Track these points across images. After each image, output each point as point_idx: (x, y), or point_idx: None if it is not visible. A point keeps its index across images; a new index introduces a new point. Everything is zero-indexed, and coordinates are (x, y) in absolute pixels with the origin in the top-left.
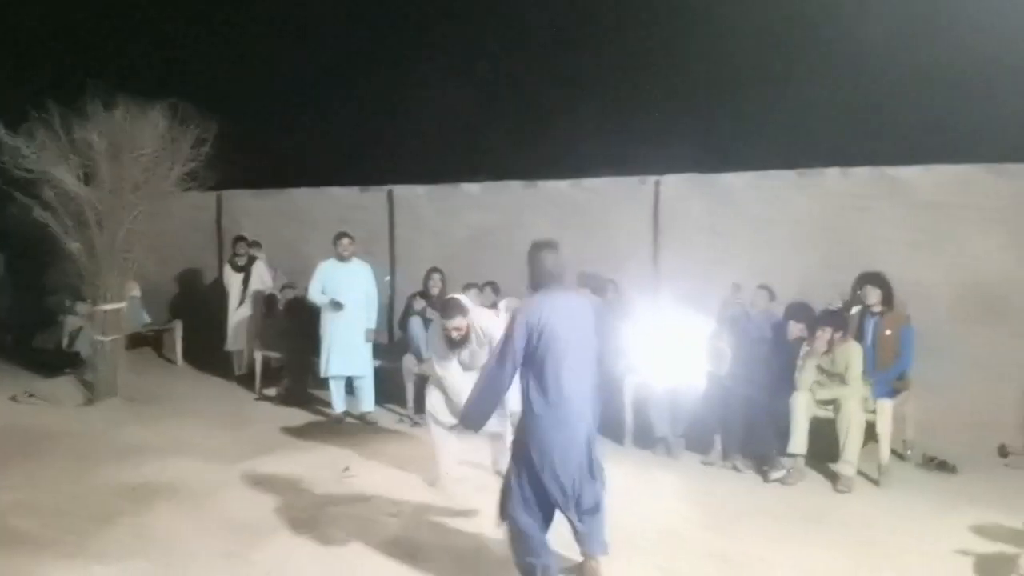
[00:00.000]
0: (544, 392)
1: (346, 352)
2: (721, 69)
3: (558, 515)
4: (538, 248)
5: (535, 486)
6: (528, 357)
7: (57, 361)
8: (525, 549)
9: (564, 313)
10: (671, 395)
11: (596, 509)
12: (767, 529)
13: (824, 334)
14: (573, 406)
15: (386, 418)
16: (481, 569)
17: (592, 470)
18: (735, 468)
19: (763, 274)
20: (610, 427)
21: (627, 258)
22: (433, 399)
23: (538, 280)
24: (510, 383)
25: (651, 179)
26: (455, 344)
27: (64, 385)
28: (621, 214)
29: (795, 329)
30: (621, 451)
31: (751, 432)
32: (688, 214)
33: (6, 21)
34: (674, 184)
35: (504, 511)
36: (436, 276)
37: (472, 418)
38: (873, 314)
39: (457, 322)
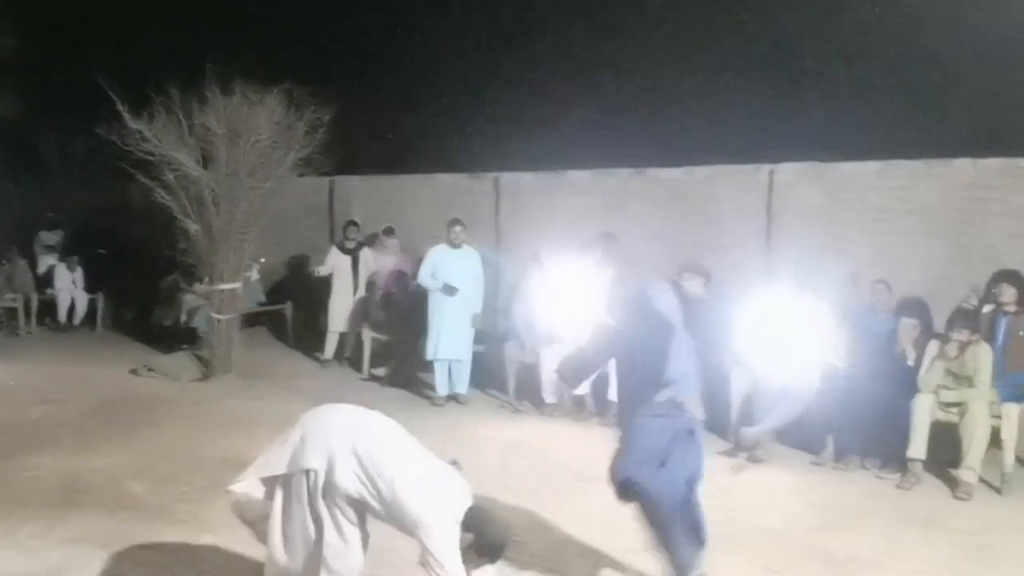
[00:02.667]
0: None
1: (454, 336)
2: (841, 54)
3: None
4: None
5: None
6: None
7: (174, 337)
8: None
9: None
10: (781, 392)
11: None
12: (877, 531)
13: (960, 336)
14: None
15: (485, 402)
16: None
17: None
18: (863, 467)
19: (883, 267)
20: (715, 422)
21: (739, 247)
22: None
23: None
24: None
25: (766, 167)
26: None
27: (181, 360)
28: (733, 203)
29: (908, 327)
30: (726, 447)
31: (870, 433)
32: (804, 204)
33: (125, 8)
34: (790, 172)
35: None
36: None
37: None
38: (1007, 313)
39: None
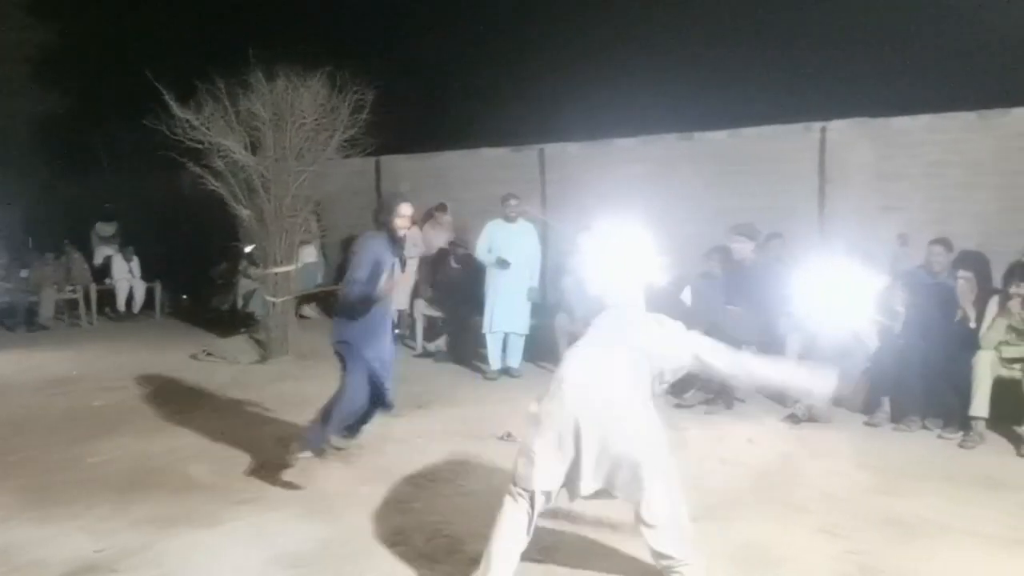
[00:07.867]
0: None
1: (509, 309)
2: (888, 5)
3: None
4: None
5: None
6: None
7: (232, 321)
8: None
9: None
10: (837, 354)
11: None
12: (941, 492)
13: (1020, 290)
14: None
15: (538, 375)
16: None
17: None
18: (925, 427)
19: (937, 224)
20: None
21: (791, 209)
22: None
23: None
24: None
25: (816, 125)
26: None
27: (239, 343)
28: (784, 163)
29: (964, 283)
30: (783, 411)
31: (929, 392)
32: (857, 161)
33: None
34: (842, 130)
35: None
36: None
37: None
38: None
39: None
